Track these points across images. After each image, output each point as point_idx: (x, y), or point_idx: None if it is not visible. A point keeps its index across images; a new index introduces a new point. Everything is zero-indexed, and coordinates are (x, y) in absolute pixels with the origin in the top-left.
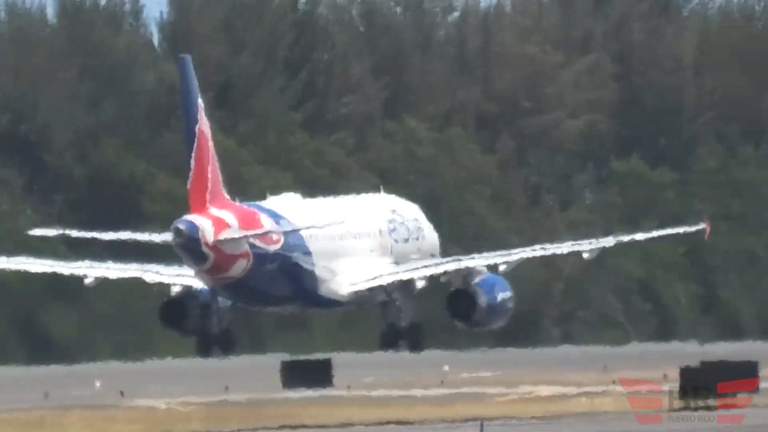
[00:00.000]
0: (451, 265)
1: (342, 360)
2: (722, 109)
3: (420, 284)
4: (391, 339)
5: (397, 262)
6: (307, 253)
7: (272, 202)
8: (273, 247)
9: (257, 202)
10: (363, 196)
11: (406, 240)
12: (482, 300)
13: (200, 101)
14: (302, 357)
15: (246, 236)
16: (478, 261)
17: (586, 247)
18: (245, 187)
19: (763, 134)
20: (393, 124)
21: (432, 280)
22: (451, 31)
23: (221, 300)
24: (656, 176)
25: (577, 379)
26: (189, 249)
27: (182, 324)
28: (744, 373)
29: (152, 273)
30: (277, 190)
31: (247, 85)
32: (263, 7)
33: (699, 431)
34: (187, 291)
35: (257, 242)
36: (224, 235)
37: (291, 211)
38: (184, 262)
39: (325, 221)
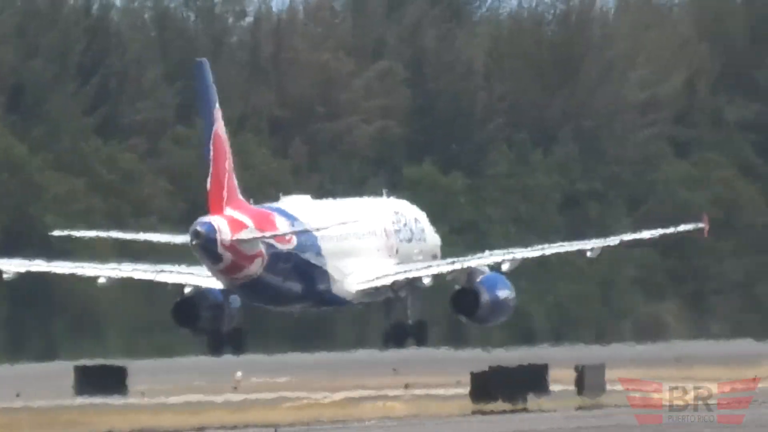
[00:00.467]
0: (456, 264)
1: (138, 367)
2: (513, 115)
3: (426, 281)
4: (399, 336)
5: (401, 262)
6: (319, 253)
7: (284, 203)
8: (287, 247)
9: (270, 204)
10: (368, 198)
11: (410, 240)
12: (485, 297)
13: (217, 104)
14: (96, 362)
15: (261, 237)
16: (482, 260)
17: (590, 245)
18: (38, 192)
19: (552, 140)
20: (186, 129)
21: (438, 278)
22: (244, 36)
23: (232, 299)
24: (448, 181)
25: (369, 383)
26: (206, 249)
27: (194, 323)
28: (533, 376)
29: (166, 273)
30: (71, 194)
31: (39, 90)
32: (56, 12)
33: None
34: (199, 291)
35: (272, 242)
36: (240, 235)
37: (303, 212)
38: (202, 262)
39: (337, 221)
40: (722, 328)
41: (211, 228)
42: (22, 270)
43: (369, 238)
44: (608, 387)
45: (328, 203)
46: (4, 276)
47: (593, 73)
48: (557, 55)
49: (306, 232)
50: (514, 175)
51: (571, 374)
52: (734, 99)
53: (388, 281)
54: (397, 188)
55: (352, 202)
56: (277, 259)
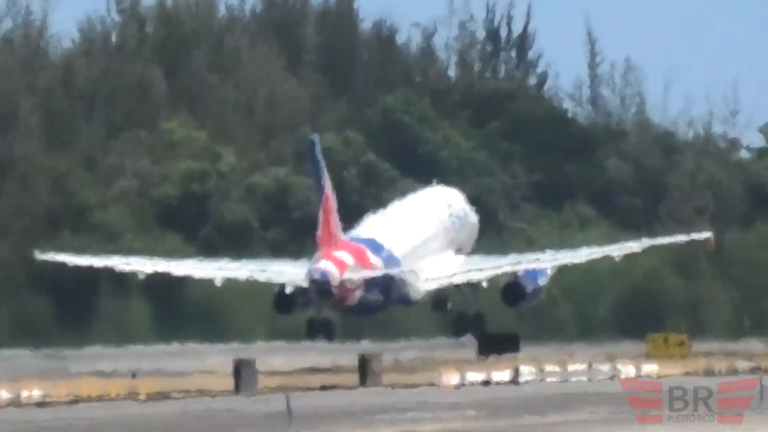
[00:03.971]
0: (508, 266)
1: None
2: None
3: (485, 284)
4: (462, 326)
5: (458, 249)
6: (399, 266)
7: (364, 227)
8: (377, 273)
9: (359, 234)
10: (422, 193)
11: (460, 229)
12: (529, 288)
13: (325, 171)
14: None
15: (361, 276)
16: (534, 263)
17: (623, 248)
18: None
19: None
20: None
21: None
22: None
23: None
24: None
25: None
26: (321, 291)
27: (292, 312)
28: None
29: (269, 273)
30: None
31: None
32: None
33: None
34: (297, 287)
35: (366, 272)
36: (346, 275)
37: (381, 234)
38: (314, 299)
39: (416, 242)
40: None
41: (324, 274)
42: (151, 270)
43: (434, 240)
44: None
45: (397, 215)
46: (139, 276)
47: None
48: None
49: (396, 272)
50: None
51: None
52: None
53: (454, 281)
54: None
55: (414, 204)
56: (371, 285)
